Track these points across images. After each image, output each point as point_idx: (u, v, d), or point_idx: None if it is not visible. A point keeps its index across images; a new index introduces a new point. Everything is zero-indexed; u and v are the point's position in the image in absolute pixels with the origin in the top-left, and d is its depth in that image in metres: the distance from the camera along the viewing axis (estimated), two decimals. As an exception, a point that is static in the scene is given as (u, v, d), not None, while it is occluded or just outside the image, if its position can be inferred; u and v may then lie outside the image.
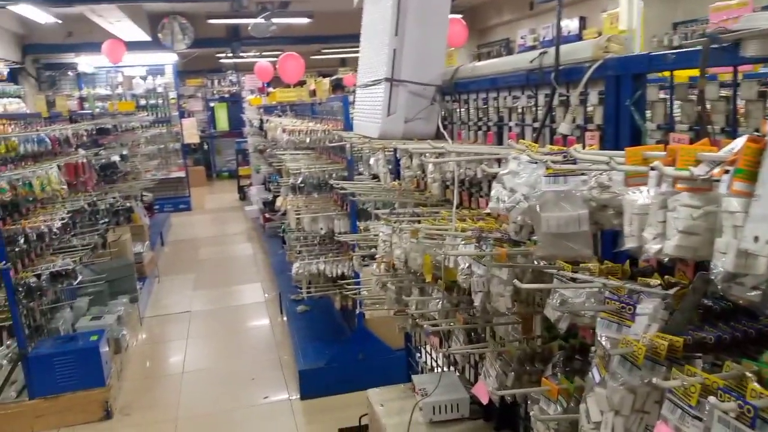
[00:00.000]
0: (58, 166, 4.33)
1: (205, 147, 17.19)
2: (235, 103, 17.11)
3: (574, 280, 1.25)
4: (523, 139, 1.91)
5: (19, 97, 10.11)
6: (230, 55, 15.29)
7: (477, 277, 1.49)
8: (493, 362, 1.59)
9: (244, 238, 10.00)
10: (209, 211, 12.81)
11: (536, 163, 1.09)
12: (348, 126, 4.04)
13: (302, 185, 4.55)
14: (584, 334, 1.45)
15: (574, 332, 1.53)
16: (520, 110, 1.98)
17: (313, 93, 6.71)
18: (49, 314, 4.61)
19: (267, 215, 9.00)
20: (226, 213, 12.38)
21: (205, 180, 16.11)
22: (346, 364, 4.35)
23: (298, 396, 4.35)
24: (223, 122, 17.76)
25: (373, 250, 3.17)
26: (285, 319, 5.70)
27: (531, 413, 1.31)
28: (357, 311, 4.39)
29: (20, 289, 4.02)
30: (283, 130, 4.80)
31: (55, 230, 4.10)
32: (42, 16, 8.86)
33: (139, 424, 4.19)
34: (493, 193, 1.19)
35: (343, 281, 4.36)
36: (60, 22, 10.28)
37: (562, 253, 1.06)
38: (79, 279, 4.45)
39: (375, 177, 4.45)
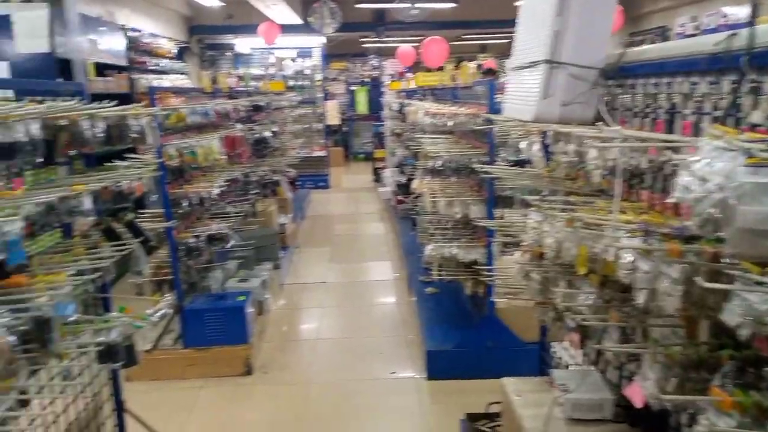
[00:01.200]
0: (219, 138, 4.69)
1: (344, 129, 17.76)
2: (374, 87, 17.48)
3: (761, 284, 1.14)
4: (701, 128, 1.76)
5: (184, 73, 11.06)
6: (373, 39, 15.64)
7: (642, 273, 1.41)
8: (651, 365, 1.49)
9: (377, 217, 10.24)
10: (345, 190, 13.26)
11: (734, 150, 1.00)
12: (493, 110, 3.98)
13: (441, 168, 4.55)
14: (761, 345, 1.32)
15: (746, 342, 1.40)
16: (697, 97, 1.82)
17: (454, 78, 6.67)
18: (203, 273, 5.04)
19: (400, 197, 9.14)
20: (361, 193, 12.74)
21: (343, 160, 16.67)
22: (473, 350, 4.33)
23: (424, 376, 4.41)
24: (362, 105, 18.24)
25: (510, 237, 3.12)
26: (413, 299, 5.78)
27: (698, 425, 1.22)
28: (489, 298, 4.36)
29: (181, 247, 4.43)
30: (426, 114, 4.82)
31: (213, 196, 4.46)
32: (209, 0, 9.58)
33: (275, 383, 4.48)
34: (680, 181, 1.10)
35: (475, 267, 4.33)
36: (223, 5, 11.07)
37: (757, 252, 0.96)
38: (231, 243, 4.81)
39: (516, 163, 4.37)
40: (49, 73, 5.68)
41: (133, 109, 2.45)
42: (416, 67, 13.64)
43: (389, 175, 11.18)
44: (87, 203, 2.10)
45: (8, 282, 1.87)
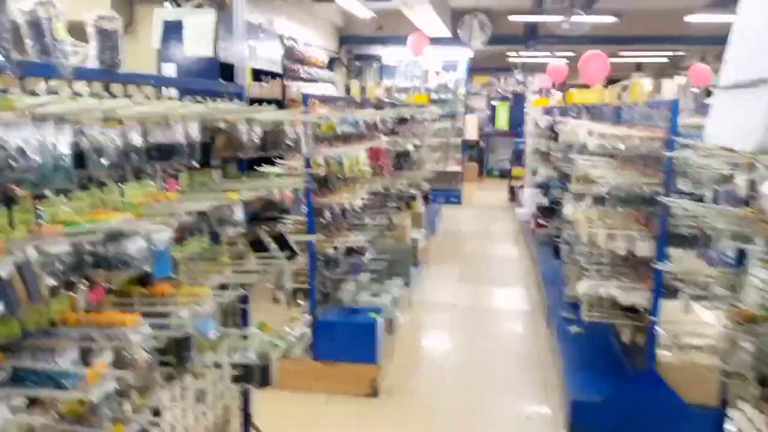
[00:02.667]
0: (366, 149, 4.57)
1: (481, 144, 17.37)
2: (517, 102, 16.97)
3: None
4: None
5: (331, 83, 11.31)
6: (520, 54, 15.14)
7: None
8: None
9: (511, 239, 9.77)
10: (478, 207, 12.88)
11: None
12: (675, 133, 3.49)
13: (605, 196, 4.08)
14: None
15: None
16: None
17: (619, 96, 6.08)
18: (337, 284, 4.94)
19: (540, 220, 8.61)
20: (494, 211, 12.30)
21: (477, 176, 16.31)
22: (627, 405, 3.80)
23: (565, 427, 3.95)
24: (502, 121, 17.78)
25: (692, 286, 2.63)
26: (552, 334, 5.30)
27: None
28: (649, 349, 3.81)
29: (320, 258, 4.34)
30: (589, 134, 4.36)
31: (356, 209, 4.33)
32: (362, 11, 9.70)
33: (400, 408, 4.24)
34: None
35: (636, 311, 3.81)
36: (375, 15, 11.20)
37: None
38: (368, 256, 4.66)
39: (697, 198, 3.79)
40: (212, 77, 5.92)
41: (291, 115, 2.31)
42: (565, 83, 12.98)
43: (528, 195, 10.65)
44: (238, 212, 1.98)
45: (152, 290, 1.78)
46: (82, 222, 1.46)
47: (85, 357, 1.45)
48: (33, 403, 1.41)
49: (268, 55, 7.80)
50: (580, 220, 4.36)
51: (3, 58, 1.31)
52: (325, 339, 4.42)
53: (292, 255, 2.34)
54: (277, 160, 4.51)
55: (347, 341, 4.40)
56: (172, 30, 6.36)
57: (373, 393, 4.38)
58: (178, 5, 6.56)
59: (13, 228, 1.40)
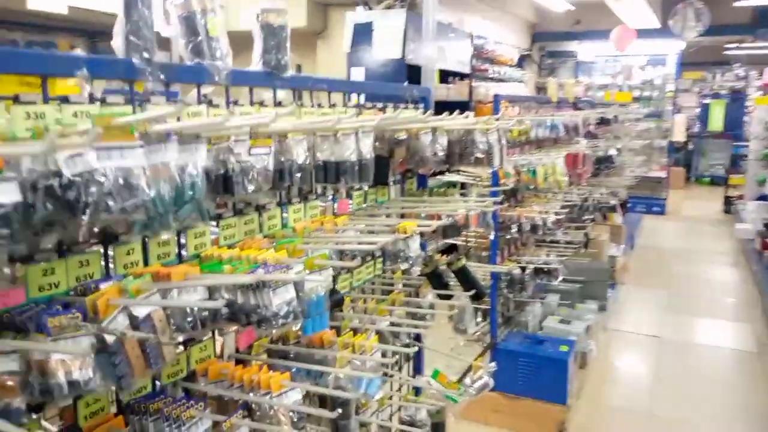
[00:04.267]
0: (563, 156, 3.99)
1: (689, 147, 15.41)
2: (735, 100, 14.80)
3: None
4: None
5: (521, 82, 10.67)
6: (742, 45, 13.07)
7: None
8: None
9: (729, 260, 8.35)
10: (685, 219, 11.33)
11: None
12: None
13: None
14: None
15: None
16: None
17: None
18: (521, 306, 4.43)
19: (769, 241, 7.19)
20: (705, 226, 10.71)
21: (683, 183, 14.48)
22: None
23: None
24: (717, 122, 15.57)
25: None
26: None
27: None
28: None
29: (503, 278, 3.86)
30: None
31: (549, 224, 3.78)
32: (559, 4, 8.95)
33: (592, 464, 3.61)
34: None
35: None
36: (572, 8, 10.32)
37: None
38: (560, 278, 4.08)
39: None
40: (399, 79, 5.74)
41: (484, 122, 1.89)
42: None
43: (752, 208, 9.08)
44: (414, 247, 1.61)
45: (311, 337, 1.49)
46: (219, 264, 1.20)
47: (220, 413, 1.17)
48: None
49: (457, 55, 7.48)
50: None
51: (142, 61, 1.07)
52: (506, 369, 3.93)
53: (477, 295, 1.93)
54: (461, 169, 4.13)
55: (532, 375, 3.88)
56: (362, 33, 6.33)
57: (560, 438, 3.81)
58: (369, 8, 6.50)
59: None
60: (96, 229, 1.07)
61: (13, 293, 0.94)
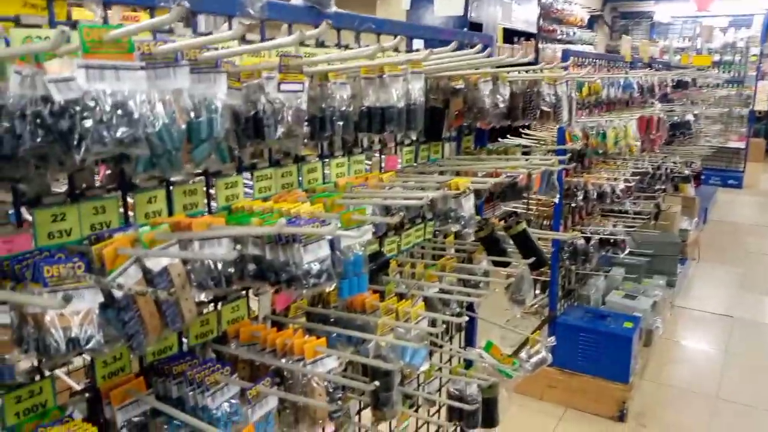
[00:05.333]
0: (636, 119, 3.69)
1: (773, 116, 14.35)
2: (827, 66, 13.59)
3: None
4: None
5: (591, 44, 10.11)
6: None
7: None
8: None
9: (815, 240, 7.74)
10: (763, 193, 10.60)
11: None
12: None
13: None
14: None
15: None
16: None
17: None
18: (583, 279, 4.20)
19: None
20: (788, 201, 9.99)
21: (763, 155, 13.53)
22: None
23: None
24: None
25: None
26: None
27: None
28: None
29: (565, 248, 3.65)
30: None
31: (618, 192, 3.52)
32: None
33: (655, 446, 3.41)
34: None
35: None
36: (649, -35, 9.64)
37: None
38: (627, 251, 3.83)
39: None
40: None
41: (550, 71, 1.69)
42: None
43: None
44: (467, 206, 1.45)
45: (352, 298, 1.37)
46: (246, 216, 1.08)
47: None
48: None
49: (523, 15, 7.11)
50: None
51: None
52: (564, 343, 3.74)
53: (537, 263, 1.76)
54: (523, 131, 3.89)
55: (593, 351, 3.68)
56: (425, -10, 6.07)
57: (620, 417, 3.61)
58: (431, -37, 6.22)
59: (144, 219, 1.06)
60: (107, 170, 0.97)
61: (18, 239, 0.86)
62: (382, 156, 1.63)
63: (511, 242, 1.79)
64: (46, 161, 0.72)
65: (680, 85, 5.97)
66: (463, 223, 1.42)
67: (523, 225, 1.75)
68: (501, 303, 2.76)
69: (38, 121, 0.69)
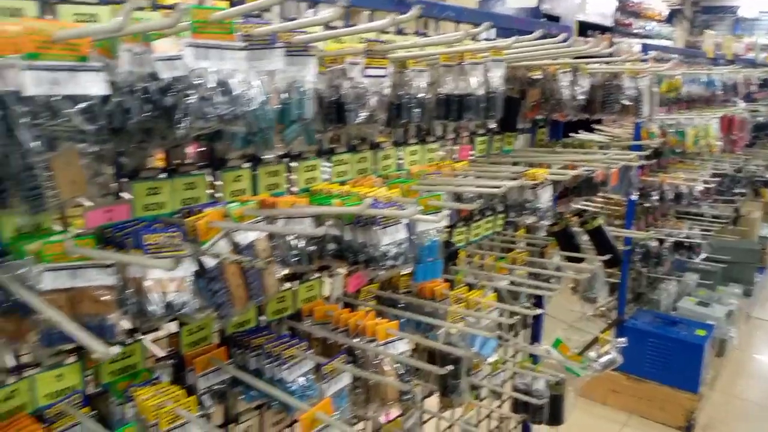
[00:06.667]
0: (718, 119, 3.52)
1: None
2: None
3: None
4: None
5: (669, 39, 9.70)
6: None
7: None
8: None
9: None
10: None
11: None
12: None
13: None
14: None
15: None
16: None
17: None
18: (654, 283, 4.05)
19: None
20: None
21: None
22: None
23: None
24: None
25: None
26: None
27: None
28: None
29: (637, 250, 3.53)
30: None
31: (695, 194, 3.37)
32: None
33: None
34: None
35: None
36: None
37: None
38: (703, 256, 3.67)
39: None
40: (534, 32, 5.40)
41: (635, 66, 1.64)
42: None
43: None
44: (544, 198, 1.43)
45: (422, 285, 1.38)
46: (326, 197, 1.10)
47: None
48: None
49: (599, 7, 6.90)
50: None
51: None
52: (632, 348, 3.63)
53: (613, 260, 1.71)
54: (595, 127, 3.78)
55: (662, 358, 3.56)
56: (497, -18, 6.00)
57: (687, 428, 3.48)
58: (504, -46, 6.13)
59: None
60: (200, 147, 1.02)
61: (118, 209, 0.92)
62: (456, 145, 1.63)
63: (585, 238, 1.75)
64: (150, 136, 0.77)
65: (766, 84, 5.64)
66: (539, 214, 1.40)
67: (600, 221, 1.70)
68: (566, 304, 2.71)
69: (145, 96, 0.74)
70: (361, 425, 1.49)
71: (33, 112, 0.63)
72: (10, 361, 0.90)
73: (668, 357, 3.53)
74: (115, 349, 0.57)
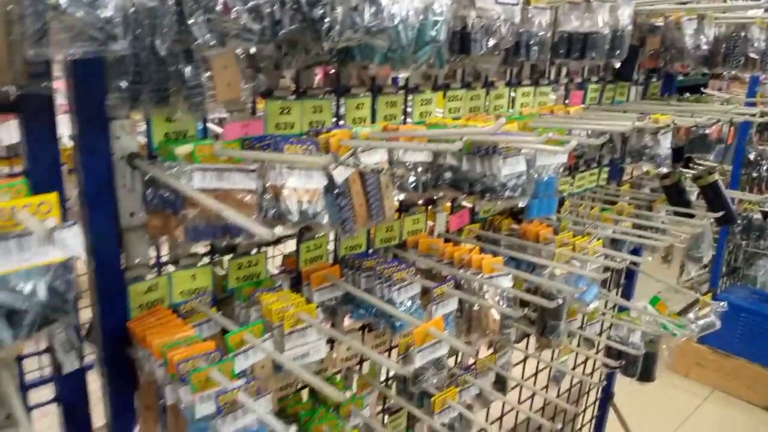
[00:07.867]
0: None
1: None
2: None
3: None
4: None
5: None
6: None
7: None
8: None
9: None
10: None
11: None
12: None
13: None
14: None
15: None
16: None
17: None
18: (751, 259, 3.85)
19: None
20: None
21: None
22: None
23: None
24: None
25: None
26: None
27: None
28: None
29: (738, 222, 3.35)
30: None
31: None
32: None
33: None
34: None
35: None
36: None
37: None
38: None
39: None
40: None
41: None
42: None
43: None
44: (664, 144, 1.38)
45: (526, 228, 1.37)
46: (444, 125, 1.11)
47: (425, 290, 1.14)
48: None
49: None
50: None
51: None
52: (722, 323, 3.50)
53: (724, 218, 1.64)
54: (704, 90, 3.56)
55: (754, 335, 3.41)
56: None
57: (776, 409, 3.35)
58: None
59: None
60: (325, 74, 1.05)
61: (253, 125, 0.97)
62: (568, 90, 1.59)
63: (698, 194, 1.69)
64: (295, 48, 0.81)
65: None
66: (658, 161, 1.36)
67: (716, 176, 1.63)
68: (655, 272, 2.63)
69: (295, 7, 0.77)
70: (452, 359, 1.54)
71: (206, 6, 0.67)
72: (151, 259, 0.98)
73: (761, 334, 3.38)
74: (278, 230, 0.62)
